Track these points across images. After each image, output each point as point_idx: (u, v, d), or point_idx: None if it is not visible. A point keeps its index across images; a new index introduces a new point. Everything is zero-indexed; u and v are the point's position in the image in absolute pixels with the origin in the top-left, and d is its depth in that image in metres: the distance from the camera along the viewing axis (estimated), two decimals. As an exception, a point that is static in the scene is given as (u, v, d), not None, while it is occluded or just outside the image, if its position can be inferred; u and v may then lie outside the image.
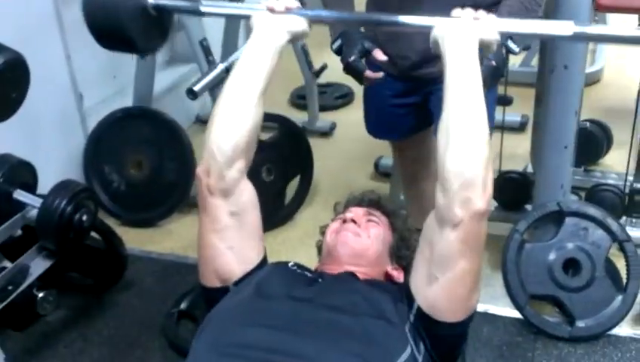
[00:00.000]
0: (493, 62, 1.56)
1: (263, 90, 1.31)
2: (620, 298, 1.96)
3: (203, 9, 1.48)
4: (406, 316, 1.23)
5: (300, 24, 1.37)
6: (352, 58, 1.67)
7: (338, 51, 1.72)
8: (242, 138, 1.28)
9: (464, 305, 1.21)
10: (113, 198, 2.63)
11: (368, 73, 1.69)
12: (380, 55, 1.69)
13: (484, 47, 1.25)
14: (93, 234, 2.08)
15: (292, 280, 1.32)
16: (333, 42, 1.73)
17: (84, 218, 1.89)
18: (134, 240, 2.47)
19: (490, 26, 1.25)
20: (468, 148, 1.16)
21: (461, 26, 1.25)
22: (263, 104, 1.31)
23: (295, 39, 1.39)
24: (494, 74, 1.58)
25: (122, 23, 1.37)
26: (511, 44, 1.57)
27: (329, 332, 1.17)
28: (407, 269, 1.44)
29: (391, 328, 1.20)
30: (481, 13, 1.28)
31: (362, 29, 1.75)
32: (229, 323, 1.22)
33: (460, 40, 1.23)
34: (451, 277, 1.18)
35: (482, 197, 1.15)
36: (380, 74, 1.71)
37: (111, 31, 1.38)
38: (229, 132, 1.28)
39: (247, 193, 1.32)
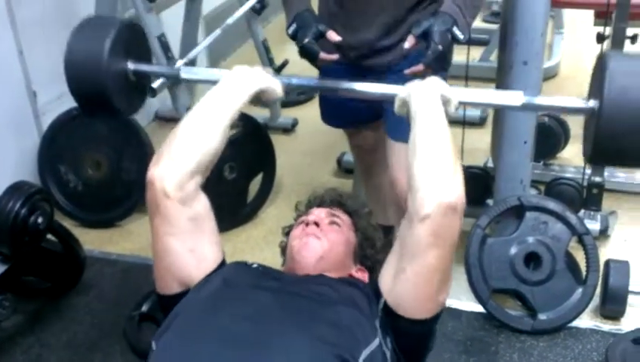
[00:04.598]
0: (440, 47, 1.58)
1: (230, 122, 1.34)
2: (580, 290, 1.99)
3: (183, 75, 1.53)
4: (376, 311, 1.23)
5: (273, 81, 1.43)
6: (307, 40, 1.69)
7: (294, 36, 1.74)
8: (206, 158, 1.30)
9: (430, 303, 1.21)
10: (70, 199, 2.56)
11: (322, 55, 1.70)
12: (333, 36, 1.72)
13: (444, 101, 1.34)
14: (49, 236, 2.02)
15: (256, 274, 1.33)
16: (288, 26, 1.74)
17: (40, 220, 1.84)
18: (93, 241, 2.42)
19: (446, 89, 1.35)
20: (434, 162, 1.22)
21: (424, 83, 1.35)
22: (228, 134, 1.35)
23: (266, 94, 1.42)
24: (439, 57, 1.60)
25: (104, 89, 1.38)
26: (456, 31, 1.59)
27: (298, 318, 1.17)
28: (372, 269, 1.46)
29: (361, 317, 1.20)
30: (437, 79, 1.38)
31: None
32: (197, 312, 1.20)
33: (425, 91, 1.33)
34: (419, 270, 1.18)
35: (450, 190, 1.17)
36: (335, 55, 1.73)
37: (93, 97, 1.40)
38: (195, 149, 1.29)
39: (203, 202, 1.32)
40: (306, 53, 1.71)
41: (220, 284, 1.26)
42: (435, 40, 1.57)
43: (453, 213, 1.17)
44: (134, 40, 1.48)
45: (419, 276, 1.18)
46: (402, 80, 1.75)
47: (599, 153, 1.24)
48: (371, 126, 2.02)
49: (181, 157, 1.28)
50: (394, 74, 1.79)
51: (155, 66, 1.59)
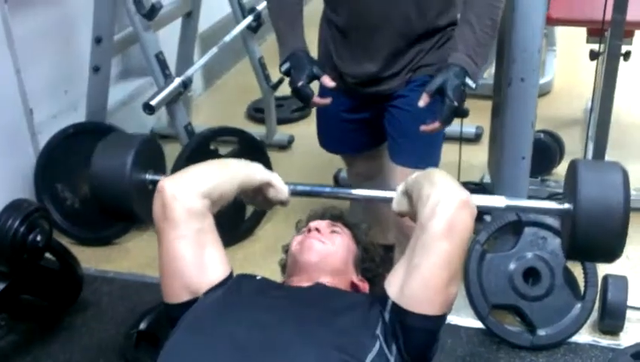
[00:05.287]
0: (455, 103, 1.60)
1: (238, 187, 1.39)
2: (578, 305, 2.00)
3: None
4: (378, 318, 1.23)
5: (283, 183, 1.45)
6: (301, 83, 1.71)
7: (287, 73, 1.75)
8: (216, 193, 1.35)
9: (440, 297, 1.21)
10: (67, 217, 2.54)
11: (316, 99, 1.73)
12: (328, 82, 1.74)
13: None
14: (47, 254, 2.01)
15: (262, 285, 1.35)
16: (281, 64, 1.75)
17: (39, 238, 1.83)
18: (90, 259, 2.41)
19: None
20: (441, 178, 1.29)
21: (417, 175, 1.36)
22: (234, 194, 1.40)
23: (273, 190, 1.44)
24: (455, 113, 1.62)
25: (127, 201, 1.48)
26: (468, 81, 1.62)
27: (304, 325, 1.18)
28: (372, 282, 1.48)
29: (362, 323, 1.21)
30: None
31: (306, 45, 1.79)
32: (205, 317, 1.22)
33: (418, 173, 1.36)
34: (431, 261, 1.19)
35: (461, 189, 1.23)
36: (327, 100, 1.75)
37: (117, 207, 1.50)
38: (208, 180, 1.35)
39: (210, 221, 1.34)
40: (299, 95, 1.73)
41: (227, 292, 1.28)
42: (449, 97, 1.59)
43: (465, 207, 1.21)
44: (151, 153, 1.59)
45: (429, 268, 1.19)
46: (404, 104, 1.77)
47: (575, 249, 1.34)
48: (371, 152, 2.03)
49: (194, 180, 1.33)
50: (395, 99, 1.81)
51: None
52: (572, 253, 1.37)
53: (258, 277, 1.39)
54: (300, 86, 1.71)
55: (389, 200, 1.42)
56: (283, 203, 1.45)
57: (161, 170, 1.62)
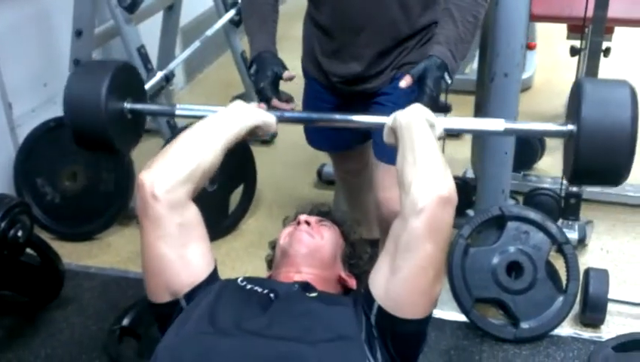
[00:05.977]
0: (434, 93, 1.61)
1: (224, 149, 1.36)
2: (561, 299, 2.02)
3: (178, 112, 1.57)
4: (363, 324, 1.21)
5: (268, 116, 1.46)
6: (262, 85, 1.71)
7: (255, 74, 1.76)
8: (198, 171, 1.31)
9: (425, 298, 1.20)
10: (47, 212, 2.51)
11: (275, 102, 1.73)
12: (287, 75, 1.74)
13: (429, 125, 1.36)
14: (28, 249, 1.98)
15: (243, 303, 1.26)
16: (249, 66, 1.77)
17: (19, 234, 1.80)
18: (71, 254, 2.38)
19: (431, 115, 1.36)
20: (425, 160, 1.24)
21: (409, 110, 1.36)
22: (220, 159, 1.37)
23: (262, 129, 1.45)
24: (434, 102, 1.62)
25: (104, 129, 1.42)
26: (446, 77, 1.63)
27: None
28: (359, 278, 1.47)
29: (347, 347, 1.17)
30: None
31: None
32: (183, 353, 1.16)
33: (410, 115, 1.35)
34: (414, 265, 1.17)
35: (442, 183, 1.19)
36: (288, 105, 1.76)
37: (93, 136, 1.44)
38: (188, 160, 1.31)
39: (193, 211, 1.31)
40: (261, 97, 1.74)
41: (203, 323, 1.20)
42: (429, 86, 1.59)
43: (447, 205, 1.18)
44: (130, 80, 1.53)
45: (414, 271, 1.18)
46: (388, 101, 1.78)
47: (579, 173, 1.29)
48: (358, 149, 2.03)
49: (173, 165, 1.29)
50: (378, 96, 1.81)
51: (152, 105, 1.68)
52: (575, 177, 1.30)
53: (240, 280, 1.33)
54: (260, 88, 1.72)
55: (378, 126, 1.42)
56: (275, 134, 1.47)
57: (140, 98, 1.55)
